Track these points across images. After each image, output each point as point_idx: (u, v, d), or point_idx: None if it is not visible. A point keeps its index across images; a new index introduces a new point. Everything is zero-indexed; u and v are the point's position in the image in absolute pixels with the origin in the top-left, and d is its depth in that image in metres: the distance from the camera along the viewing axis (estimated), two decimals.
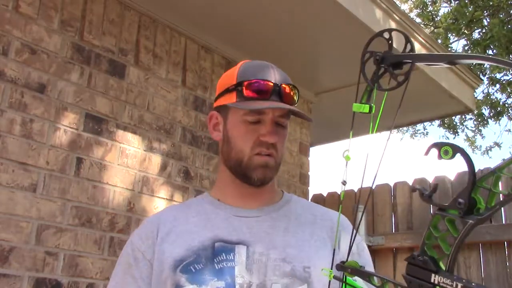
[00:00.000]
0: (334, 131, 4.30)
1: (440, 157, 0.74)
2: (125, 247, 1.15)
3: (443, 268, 0.69)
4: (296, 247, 1.11)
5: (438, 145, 0.72)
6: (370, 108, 0.86)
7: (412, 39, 0.78)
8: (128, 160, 2.36)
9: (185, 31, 2.74)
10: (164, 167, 2.51)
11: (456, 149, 0.70)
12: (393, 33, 0.89)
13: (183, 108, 2.67)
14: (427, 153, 0.74)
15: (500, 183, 0.68)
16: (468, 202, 0.68)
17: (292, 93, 1.15)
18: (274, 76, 1.14)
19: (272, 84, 1.12)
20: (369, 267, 1.16)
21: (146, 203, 2.39)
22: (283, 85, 1.13)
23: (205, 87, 2.81)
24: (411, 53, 0.79)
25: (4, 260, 1.87)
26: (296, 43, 2.92)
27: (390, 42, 0.86)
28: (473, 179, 0.67)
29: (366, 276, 0.77)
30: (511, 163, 0.68)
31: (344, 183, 0.94)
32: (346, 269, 0.80)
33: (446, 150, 0.72)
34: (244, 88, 1.12)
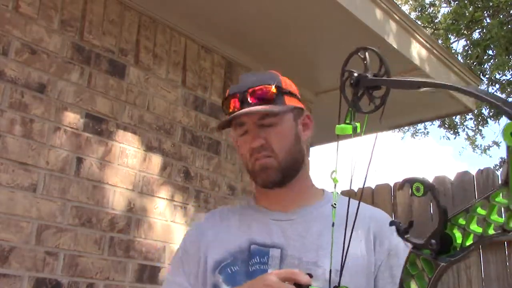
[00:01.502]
0: (334, 131, 4.29)
1: (412, 193, 0.75)
2: (179, 245, 1.25)
3: None
4: (328, 250, 1.08)
5: (411, 181, 0.73)
6: (354, 129, 0.86)
7: (387, 61, 0.75)
8: (128, 160, 2.36)
9: (185, 31, 2.73)
10: (164, 167, 2.51)
11: (427, 187, 0.70)
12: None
13: (183, 108, 2.67)
14: (400, 188, 0.76)
15: (475, 221, 0.66)
16: (440, 243, 0.67)
17: (262, 92, 1.15)
18: (245, 83, 1.18)
19: (238, 95, 1.16)
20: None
21: (146, 203, 2.39)
22: (249, 90, 1.15)
23: (205, 87, 2.81)
24: (385, 77, 0.77)
25: (4, 260, 1.87)
26: (296, 43, 2.92)
27: (365, 62, 0.83)
28: (445, 219, 0.67)
29: None
30: (480, 204, 0.66)
31: (334, 206, 1.03)
32: None
33: (418, 187, 0.73)
34: (223, 107, 1.20)
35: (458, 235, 0.66)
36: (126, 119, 2.39)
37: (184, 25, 2.72)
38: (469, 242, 0.66)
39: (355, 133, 0.87)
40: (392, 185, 3.28)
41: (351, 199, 1.24)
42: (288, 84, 1.22)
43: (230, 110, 1.16)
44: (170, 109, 2.60)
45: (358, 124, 0.89)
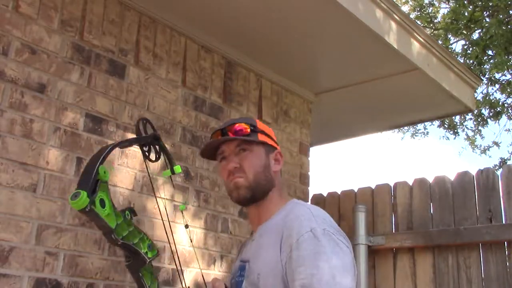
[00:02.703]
0: (334, 131, 4.30)
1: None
2: None
3: None
4: (257, 258, 1.38)
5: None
6: (172, 170, 1.63)
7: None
8: (128, 160, 2.36)
9: (185, 31, 2.73)
10: (164, 167, 2.50)
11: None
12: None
13: (183, 108, 2.67)
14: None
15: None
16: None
17: (239, 126, 1.47)
18: (226, 123, 1.52)
19: (219, 132, 1.51)
20: (299, 266, 1.25)
21: (146, 203, 2.39)
22: (228, 127, 1.48)
23: (205, 87, 2.81)
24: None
25: (4, 260, 1.87)
26: (296, 43, 2.92)
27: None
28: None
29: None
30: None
31: (186, 226, 1.80)
32: None
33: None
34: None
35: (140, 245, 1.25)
36: (126, 119, 2.39)
37: (184, 25, 2.72)
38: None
39: (178, 172, 1.64)
40: (392, 185, 3.28)
41: (289, 209, 1.44)
42: (262, 126, 1.54)
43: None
44: (170, 109, 2.60)
45: (178, 166, 1.64)
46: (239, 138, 1.46)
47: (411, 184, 3.20)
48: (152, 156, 1.86)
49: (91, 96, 2.27)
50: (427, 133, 10.04)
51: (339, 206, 3.43)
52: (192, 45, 2.78)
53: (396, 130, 9.78)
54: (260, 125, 1.53)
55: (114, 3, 2.43)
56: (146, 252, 1.41)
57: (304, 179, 3.35)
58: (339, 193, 3.53)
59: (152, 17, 2.59)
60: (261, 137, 1.50)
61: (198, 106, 2.75)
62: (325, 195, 3.61)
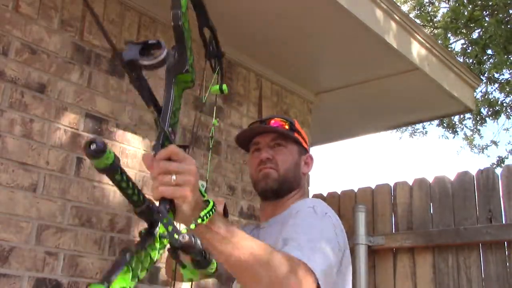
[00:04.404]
0: (334, 131, 4.30)
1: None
2: None
3: None
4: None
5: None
6: (221, 89, 1.39)
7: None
8: (128, 160, 2.36)
9: None
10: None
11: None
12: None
13: (183, 108, 2.66)
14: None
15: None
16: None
17: (278, 121, 1.52)
18: (267, 117, 1.57)
19: (259, 122, 1.57)
20: (293, 229, 1.27)
21: None
22: (268, 120, 1.54)
23: (205, 87, 2.80)
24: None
25: (4, 260, 1.87)
26: (296, 43, 2.92)
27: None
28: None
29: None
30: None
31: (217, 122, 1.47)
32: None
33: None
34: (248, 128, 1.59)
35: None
36: (126, 119, 2.39)
37: None
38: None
39: (225, 91, 1.37)
40: (392, 185, 3.28)
41: (297, 203, 1.46)
42: (299, 127, 1.57)
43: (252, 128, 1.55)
44: None
45: (225, 86, 1.37)
46: (277, 130, 1.50)
47: (411, 184, 3.20)
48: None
49: (91, 96, 2.27)
50: (426, 132, 10.04)
51: (339, 206, 3.43)
52: (192, 45, 2.77)
53: (395, 130, 9.78)
54: (297, 125, 1.58)
55: (114, 3, 2.43)
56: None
57: None
58: (339, 193, 3.53)
59: (152, 17, 2.59)
60: (296, 136, 1.55)
61: (198, 106, 2.74)
62: (325, 195, 3.61)
